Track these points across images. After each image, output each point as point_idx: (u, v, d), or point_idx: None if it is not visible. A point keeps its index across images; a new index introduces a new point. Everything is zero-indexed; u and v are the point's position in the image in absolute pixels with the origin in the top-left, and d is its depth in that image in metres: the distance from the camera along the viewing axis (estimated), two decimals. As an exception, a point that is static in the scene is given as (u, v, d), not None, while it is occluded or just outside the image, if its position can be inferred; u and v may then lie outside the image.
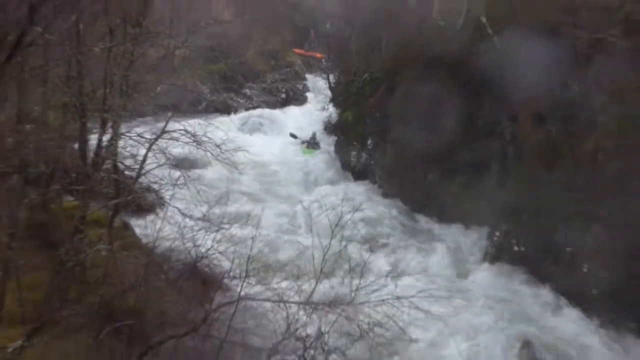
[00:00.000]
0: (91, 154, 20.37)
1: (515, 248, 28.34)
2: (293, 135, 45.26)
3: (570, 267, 26.01)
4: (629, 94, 24.37)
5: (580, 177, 26.16)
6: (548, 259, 26.92)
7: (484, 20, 32.24)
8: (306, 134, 44.27)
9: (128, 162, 20.35)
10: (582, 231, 25.76)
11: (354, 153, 38.89)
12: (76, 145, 21.28)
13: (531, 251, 27.70)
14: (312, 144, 42.87)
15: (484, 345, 23.36)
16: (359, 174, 37.94)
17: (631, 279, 23.23)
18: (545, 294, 26.44)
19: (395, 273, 26.22)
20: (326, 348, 12.41)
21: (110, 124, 19.99)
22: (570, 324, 24.92)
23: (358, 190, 35.56)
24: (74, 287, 16.97)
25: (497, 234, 29.36)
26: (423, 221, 32.72)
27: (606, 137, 25.71)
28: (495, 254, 28.92)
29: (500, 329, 24.16)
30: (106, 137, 20.01)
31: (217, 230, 18.03)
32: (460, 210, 31.70)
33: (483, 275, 28.01)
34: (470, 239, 30.50)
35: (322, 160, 40.36)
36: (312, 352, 12.38)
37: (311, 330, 12.59)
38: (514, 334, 23.94)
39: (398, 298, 12.72)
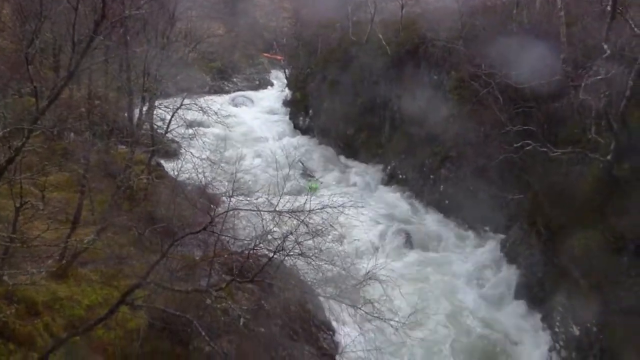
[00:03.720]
0: (135, 119, 19.88)
1: (400, 176, 28.42)
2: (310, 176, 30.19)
3: (432, 187, 26.21)
4: (465, 80, 24.28)
5: (439, 132, 26.21)
6: (419, 182, 27.06)
7: (380, 36, 31.71)
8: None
9: (159, 123, 19.89)
10: (438, 166, 25.91)
11: (301, 118, 38.54)
12: (126, 113, 20.66)
13: (410, 178, 27.81)
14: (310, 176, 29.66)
15: (382, 233, 23.63)
16: (304, 131, 37.60)
17: (467, 195, 23.55)
18: (417, 203, 26.68)
19: (329, 191, 26.42)
20: (295, 244, 12.13)
21: (147, 99, 19.55)
22: (431, 221, 25.22)
23: (304, 141, 35.28)
24: (126, 203, 16.51)
25: (389, 167, 29.42)
26: (344, 160, 32.59)
27: (454, 108, 25.70)
28: (388, 180, 29.01)
29: (391, 225, 24.38)
30: (145, 108, 19.59)
31: (217, 166, 17.66)
32: (366, 153, 31.72)
33: (381, 193, 28.11)
34: (373, 171, 30.48)
35: (281, 123, 39.80)
36: (285, 244, 12.10)
37: (278, 230, 12.30)
38: (399, 228, 24.17)
39: (332, 207, 12.42)
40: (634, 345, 13.73)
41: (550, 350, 16.68)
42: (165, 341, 13.23)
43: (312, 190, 26.22)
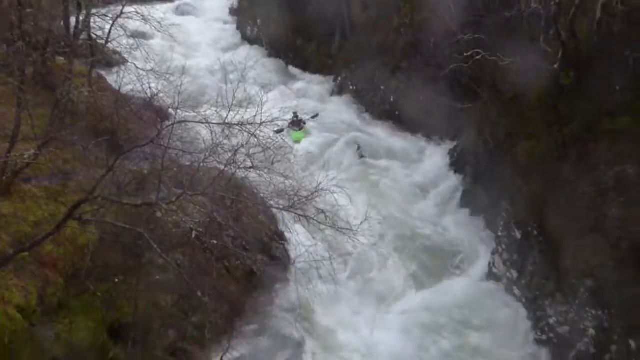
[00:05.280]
0: (72, 28, 18.74)
1: (351, 87, 28.18)
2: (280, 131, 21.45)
3: (383, 98, 26.19)
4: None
5: (389, 42, 25.89)
6: (370, 94, 26.96)
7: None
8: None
9: (99, 33, 18.84)
10: (389, 76, 25.78)
11: (249, 28, 37.06)
12: (62, 22, 19.44)
13: (360, 89, 27.63)
14: (297, 123, 24.87)
15: (332, 143, 23.87)
16: (252, 42, 36.21)
17: (417, 106, 23.66)
18: (368, 114, 26.75)
19: (280, 100, 26.16)
20: (246, 157, 12.05)
21: (84, 7, 18.42)
22: (382, 132, 25.42)
23: (253, 52, 33.88)
24: (68, 117, 15.87)
25: (339, 78, 29.09)
26: (293, 71, 32.04)
27: (405, 17, 25.30)
28: (339, 91, 28.77)
29: (342, 136, 24.49)
30: (82, 17, 18.49)
31: (162, 78, 17.07)
32: (317, 63, 31.21)
33: (333, 103, 28.02)
34: (324, 82, 30.11)
35: (228, 33, 38.37)
36: (237, 157, 12.02)
37: (228, 142, 12.16)
38: (350, 138, 24.28)
39: (282, 120, 12.33)
40: (571, 244, 14.53)
41: (493, 253, 17.51)
42: (118, 254, 13.24)
43: (297, 141, 23.92)
